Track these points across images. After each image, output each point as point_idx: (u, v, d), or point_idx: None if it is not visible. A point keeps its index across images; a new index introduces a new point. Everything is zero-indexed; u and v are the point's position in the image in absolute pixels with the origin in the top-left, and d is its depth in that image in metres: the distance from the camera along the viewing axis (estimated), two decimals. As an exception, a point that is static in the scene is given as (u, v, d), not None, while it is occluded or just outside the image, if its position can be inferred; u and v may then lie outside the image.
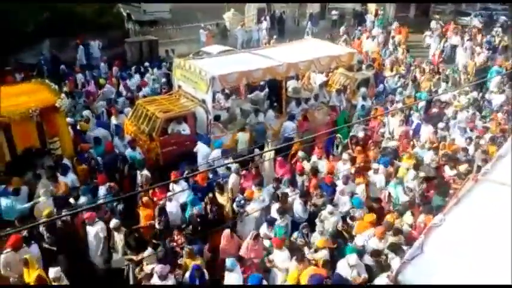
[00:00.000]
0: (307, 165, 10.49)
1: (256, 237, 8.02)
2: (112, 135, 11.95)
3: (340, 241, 8.41)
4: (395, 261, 7.44)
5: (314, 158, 10.82)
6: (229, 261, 7.35)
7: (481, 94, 15.87)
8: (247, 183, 9.92)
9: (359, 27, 25.33)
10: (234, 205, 9.05)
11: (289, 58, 12.88)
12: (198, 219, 8.50)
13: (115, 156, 10.61)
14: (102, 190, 9.17)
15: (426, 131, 12.36)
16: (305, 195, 9.20)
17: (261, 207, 9.02)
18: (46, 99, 9.82)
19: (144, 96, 14.07)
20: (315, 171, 10.19)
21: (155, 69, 17.30)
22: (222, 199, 9.27)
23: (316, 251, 7.91)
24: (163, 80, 16.23)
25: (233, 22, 25.40)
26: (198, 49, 19.72)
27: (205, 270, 7.40)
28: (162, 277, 7.00)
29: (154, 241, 8.09)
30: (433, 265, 5.13)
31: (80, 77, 16.33)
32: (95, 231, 8.15)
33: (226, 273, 7.34)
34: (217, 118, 11.92)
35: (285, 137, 12.13)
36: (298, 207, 9.08)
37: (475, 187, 6.44)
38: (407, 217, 8.63)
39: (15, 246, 7.26)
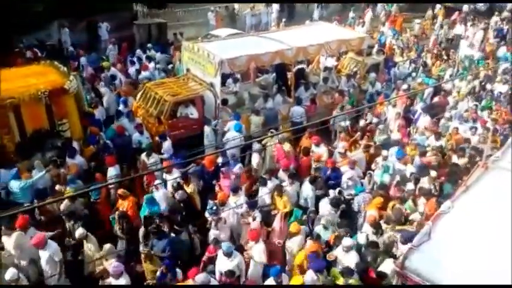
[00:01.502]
0: (287, 147, 10.41)
1: (286, 216, 8.00)
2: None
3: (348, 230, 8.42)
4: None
5: (313, 146, 10.65)
6: (225, 245, 7.18)
7: (482, 83, 15.53)
8: (225, 182, 9.24)
9: (351, 15, 24.72)
10: (206, 213, 8.37)
11: (299, 42, 12.74)
12: (182, 205, 8.31)
13: (127, 139, 10.64)
14: (110, 171, 9.20)
15: (424, 122, 12.25)
16: (314, 180, 9.17)
17: (237, 208, 8.46)
18: (55, 81, 9.82)
19: (149, 80, 13.92)
20: (306, 151, 10.18)
21: (158, 53, 17.11)
22: (188, 190, 8.79)
23: (291, 236, 7.85)
24: (170, 66, 16.07)
25: (242, 5, 25.14)
26: (207, 32, 19.58)
27: (178, 269, 7.07)
28: (116, 276, 6.68)
29: (176, 227, 7.99)
30: (440, 252, 5.13)
31: (83, 60, 16.24)
32: (47, 255, 7.17)
33: (224, 259, 7.17)
34: (224, 102, 11.88)
35: (293, 122, 12.08)
36: (308, 192, 9.07)
37: (484, 174, 6.41)
38: (420, 206, 8.61)
39: (23, 227, 7.36)
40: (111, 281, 6.76)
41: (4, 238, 7.46)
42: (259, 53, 11.92)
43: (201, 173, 9.65)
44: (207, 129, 11.06)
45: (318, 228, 8.13)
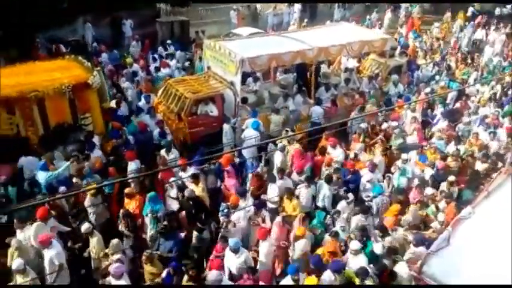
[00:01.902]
0: (296, 146, 10.36)
1: (305, 219, 8.01)
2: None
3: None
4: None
5: (329, 148, 10.53)
6: (232, 241, 7.13)
7: (504, 89, 15.12)
8: (230, 181, 9.33)
9: (368, 17, 24.41)
10: (219, 215, 8.38)
11: (320, 42, 12.69)
12: (191, 202, 8.26)
13: (149, 134, 10.74)
14: (131, 166, 9.31)
15: (440, 126, 12.05)
16: (330, 180, 9.12)
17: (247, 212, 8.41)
18: (79, 76, 9.99)
19: (170, 77, 14.00)
20: (323, 151, 10.17)
21: (178, 51, 17.20)
22: (197, 190, 8.62)
23: (296, 239, 7.75)
24: (188, 63, 16.17)
25: (264, 4, 25.13)
26: (229, 31, 19.67)
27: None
28: (116, 277, 6.55)
29: (199, 225, 7.95)
30: (459, 258, 5.06)
31: (104, 56, 16.40)
32: (49, 256, 7.06)
33: (231, 255, 7.13)
34: (244, 101, 11.91)
35: (313, 122, 12.03)
36: (326, 191, 9.03)
37: (506, 181, 6.29)
38: (440, 214, 8.47)
39: (43, 217, 7.51)
40: (111, 281, 6.65)
41: (17, 231, 7.56)
42: (280, 52, 11.92)
43: (218, 171, 9.67)
44: (226, 127, 11.11)
45: (337, 227, 8.09)
